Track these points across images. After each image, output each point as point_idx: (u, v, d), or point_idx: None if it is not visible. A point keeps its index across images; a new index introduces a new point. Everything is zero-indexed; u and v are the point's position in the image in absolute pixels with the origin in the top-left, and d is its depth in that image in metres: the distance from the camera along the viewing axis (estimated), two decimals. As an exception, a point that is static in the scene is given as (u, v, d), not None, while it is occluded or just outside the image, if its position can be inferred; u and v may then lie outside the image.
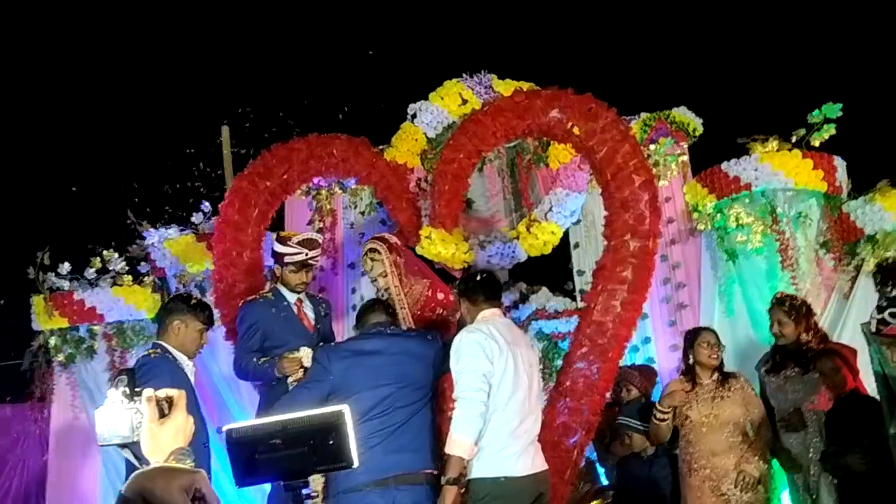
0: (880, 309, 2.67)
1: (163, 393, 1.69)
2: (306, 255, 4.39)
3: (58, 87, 8.06)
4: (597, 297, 4.11)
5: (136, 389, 1.68)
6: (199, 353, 3.95)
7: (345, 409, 1.74)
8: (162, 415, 1.65)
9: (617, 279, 4.07)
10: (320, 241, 4.68)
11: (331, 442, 1.70)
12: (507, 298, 5.76)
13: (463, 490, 3.55)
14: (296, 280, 4.41)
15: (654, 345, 5.76)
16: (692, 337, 4.52)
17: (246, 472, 1.71)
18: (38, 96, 8.09)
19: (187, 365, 3.80)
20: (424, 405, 3.73)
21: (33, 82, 8.12)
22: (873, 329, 2.71)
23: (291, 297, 4.43)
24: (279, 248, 4.43)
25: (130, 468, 1.64)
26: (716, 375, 4.40)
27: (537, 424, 3.71)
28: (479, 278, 3.82)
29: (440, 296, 4.32)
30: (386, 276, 4.27)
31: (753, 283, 5.46)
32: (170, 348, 3.77)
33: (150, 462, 1.61)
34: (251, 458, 1.69)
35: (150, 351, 3.78)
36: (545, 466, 3.69)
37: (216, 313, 4.94)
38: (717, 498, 4.24)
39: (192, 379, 3.82)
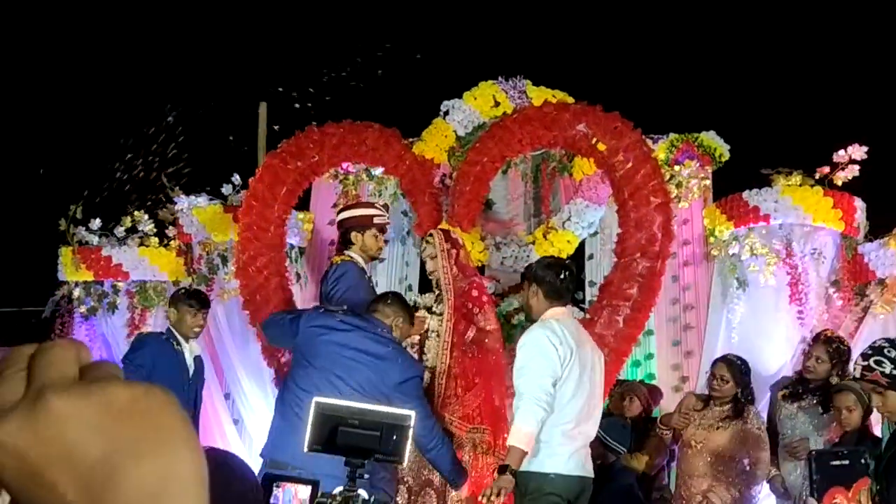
0: (865, 356, 2.76)
1: None
2: (387, 217, 4.48)
3: (112, 46, 8.25)
4: (601, 310, 4.21)
5: None
6: (197, 332, 4.37)
7: (412, 413, 1.97)
8: None
9: (622, 296, 4.16)
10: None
11: (395, 437, 1.95)
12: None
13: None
14: (377, 245, 4.34)
15: (656, 361, 5.87)
16: (712, 363, 4.57)
17: (319, 439, 2.01)
18: (92, 54, 8.29)
19: (185, 345, 4.26)
20: None
21: (87, 39, 8.33)
22: (858, 374, 2.80)
23: (366, 266, 4.40)
24: (365, 211, 4.37)
25: None
26: (728, 406, 4.40)
27: (594, 429, 3.71)
28: (567, 273, 3.69)
29: (474, 293, 4.46)
30: (435, 258, 4.45)
31: (761, 313, 5.54)
32: (174, 331, 4.33)
33: None
34: (334, 428, 1.97)
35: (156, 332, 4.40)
36: (591, 474, 3.67)
37: (235, 283, 5.15)
38: None
39: (187, 357, 4.23)
